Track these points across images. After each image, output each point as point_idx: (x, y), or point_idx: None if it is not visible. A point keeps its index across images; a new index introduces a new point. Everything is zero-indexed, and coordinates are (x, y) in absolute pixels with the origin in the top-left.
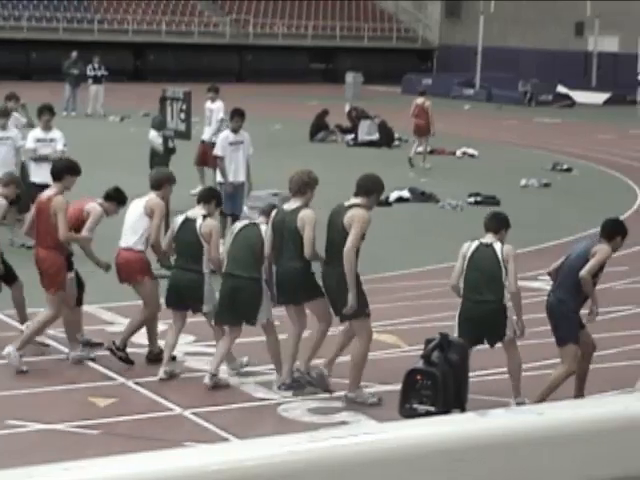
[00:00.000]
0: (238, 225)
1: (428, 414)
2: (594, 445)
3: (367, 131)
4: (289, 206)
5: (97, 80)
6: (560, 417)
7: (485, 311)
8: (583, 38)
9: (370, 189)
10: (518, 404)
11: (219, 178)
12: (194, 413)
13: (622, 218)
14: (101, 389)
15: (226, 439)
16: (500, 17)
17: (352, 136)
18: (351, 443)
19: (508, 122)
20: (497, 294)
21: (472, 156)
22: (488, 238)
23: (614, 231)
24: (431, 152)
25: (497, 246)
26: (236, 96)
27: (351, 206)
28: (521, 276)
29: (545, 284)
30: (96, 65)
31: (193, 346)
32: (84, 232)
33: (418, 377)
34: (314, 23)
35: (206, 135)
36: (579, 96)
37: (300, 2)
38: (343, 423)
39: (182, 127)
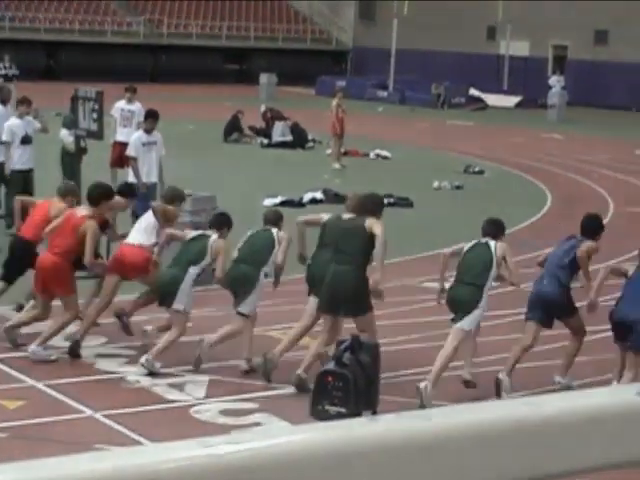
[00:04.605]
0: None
1: (339, 415)
2: (480, 451)
3: (281, 132)
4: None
5: (8, 79)
6: (448, 422)
7: (464, 292)
8: (495, 42)
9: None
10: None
11: (131, 178)
12: (105, 415)
13: (533, 221)
14: (10, 391)
15: (138, 441)
16: (414, 20)
17: (266, 137)
18: (239, 449)
19: (421, 124)
20: (482, 283)
21: (385, 158)
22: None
23: (601, 228)
24: (344, 153)
25: (492, 243)
26: (150, 96)
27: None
28: (432, 278)
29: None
30: (7, 64)
31: (104, 348)
32: (88, 257)
33: (329, 378)
34: (228, 24)
35: (121, 136)
36: (491, 99)
37: (214, 2)
38: (256, 424)
39: (94, 127)
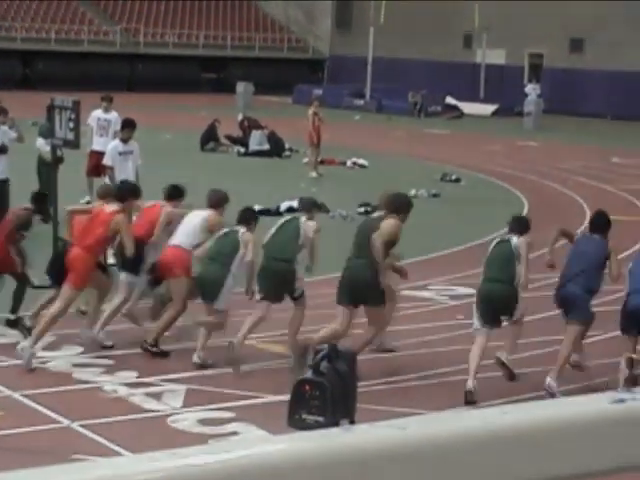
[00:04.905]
0: (282, 220)
1: (317, 424)
2: (455, 461)
3: (258, 141)
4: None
5: None
6: (423, 432)
7: (495, 290)
8: (471, 50)
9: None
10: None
11: None
12: (82, 425)
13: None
14: None
15: (115, 451)
16: (390, 29)
17: (243, 146)
18: (213, 460)
19: (398, 133)
20: (508, 277)
21: (362, 166)
22: (509, 236)
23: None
24: (321, 162)
25: (513, 240)
26: (126, 105)
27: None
28: (410, 286)
29: (435, 294)
30: None
31: (81, 357)
32: (130, 249)
33: (307, 387)
34: (205, 33)
35: (97, 145)
36: (467, 107)
37: (191, 11)
38: (234, 434)
39: (71, 136)
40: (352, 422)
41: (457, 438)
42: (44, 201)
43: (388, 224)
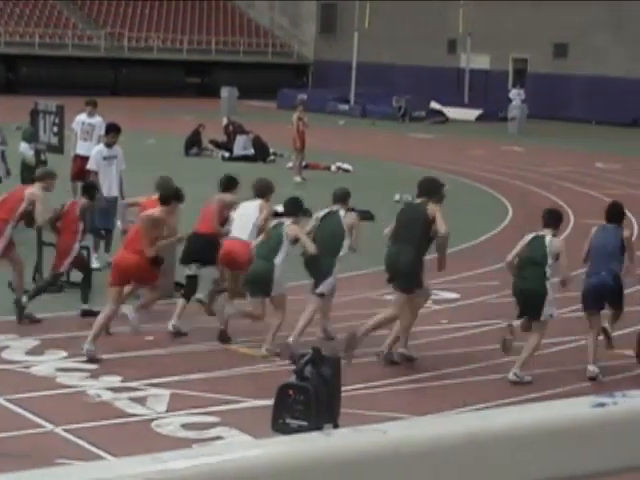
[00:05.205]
0: (321, 213)
1: (301, 429)
2: (435, 464)
3: (243, 146)
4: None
5: None
6: (403, 436)
7: (527, 287)
8: (456, 55)
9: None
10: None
11: None
12: (66, 430)
13: (494, 233)
14: None
15: (99, 456)
16: (375, 33)
17: (227, 151)
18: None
19: (382, 137)
20: (539, 275)
21: (347, 171)
22: (545, 232)
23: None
24: (306, 166)
25: (547, 238)
26: (111, 110)
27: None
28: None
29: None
30: None
31: (65, 362)
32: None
33: (290, 392)
34: (189, 37)
35: (81, 150)
36: (452, 112)
37: (175, 16)
38: (218, 438)
39: (54, 141)
40: (336, 427)
41: (438, 442)
42: (94, 190)
43: (433, 210)
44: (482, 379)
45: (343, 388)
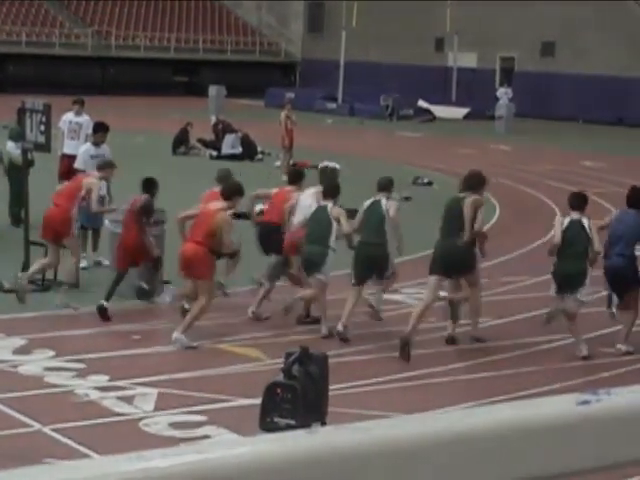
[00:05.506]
0: (367, 202)
1: (289, 427)
2: (418, 464)
3: (231, 144)
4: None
5: None
6: (387, 434)
7: (573, 268)
8: (443, 54)
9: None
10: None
11: None
12: (53, 429)
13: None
14: None
15: (87, 455)
16: (362, 32)
17: (215, 150)
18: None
19: (370, 136)
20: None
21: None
22: (575, 215)
23: None
24: (294, 165)
25: (585, 221)
26: (98, 109)
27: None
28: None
29: (406, 297)
30: None
31: (53, 361)
32: (226, 248)
33: (278, 390)
34: (177, 36)
35: (69, 149)
36: (439, 111)
37: (163, 14)
38: (205, 437)
39: (42, 139)
40: (324, 425)
41: (421, 441)
42: (153, 185)
43: (470, 203)
44: (470, 377)
45: (332, 386)
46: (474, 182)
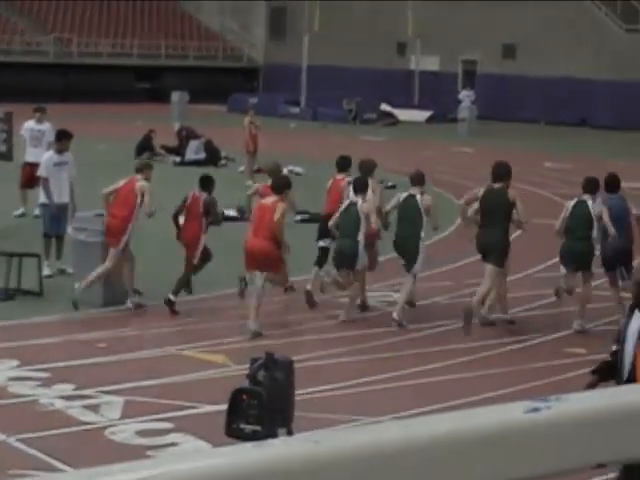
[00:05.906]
0: (403, 195)
1: (255, 434)
2: (368, 474)
3: (195, 150)
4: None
5: None
6: (336, 446)
7: (578, 247)
8: (405, 57)
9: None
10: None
11: (43, 199)
12: (19, 439)
13: (445, 234)
14: None
15: (54, 466)
16: (324, 36)
17: (178, 156)
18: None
19: (334, 140)
20: (587, 234)
21: (298, 174)
22: (585, 197)
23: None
24: (258, 170)
25: (589, 203)
26: (60, 116)
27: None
28: (347, 293)
29: (374, 300)
30: None
31: (17, 371)
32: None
33: (244, 397)
34: (139, 42)
35: (31, 156)
36: (402, 114)
37: (125, 21)
38: (173, 444)
39: (3, 148)
40: (290, 431)
41: (373, 449)
42: (210, 183)
43: (514, 195)
44: (436, 380)
45: (298, 391)
46: (503, 172)
